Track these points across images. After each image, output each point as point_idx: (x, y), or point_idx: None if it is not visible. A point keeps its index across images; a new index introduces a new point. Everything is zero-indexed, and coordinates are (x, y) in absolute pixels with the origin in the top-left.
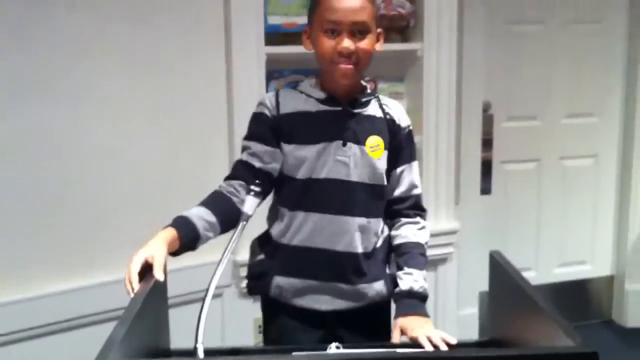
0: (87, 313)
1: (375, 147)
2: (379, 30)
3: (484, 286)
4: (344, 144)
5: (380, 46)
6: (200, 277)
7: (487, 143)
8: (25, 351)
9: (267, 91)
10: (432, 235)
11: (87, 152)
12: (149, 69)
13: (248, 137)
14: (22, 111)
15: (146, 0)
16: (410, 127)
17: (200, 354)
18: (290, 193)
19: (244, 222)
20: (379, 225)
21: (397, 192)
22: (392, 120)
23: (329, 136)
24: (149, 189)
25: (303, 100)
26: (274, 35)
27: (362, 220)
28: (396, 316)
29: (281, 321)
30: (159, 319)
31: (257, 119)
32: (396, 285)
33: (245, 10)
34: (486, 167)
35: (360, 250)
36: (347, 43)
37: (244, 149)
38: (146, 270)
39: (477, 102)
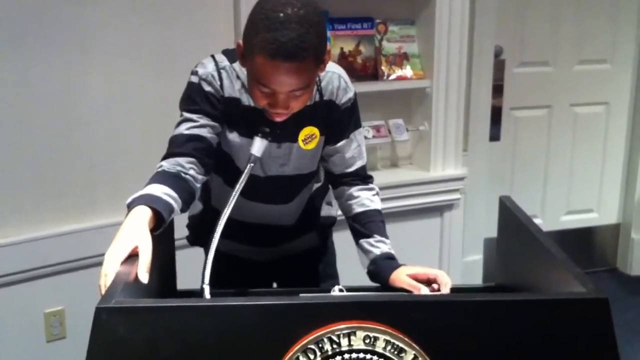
0: (90, 255)
1: (309, 139)
2: (327, 49)
3: (489, 233)
4: (279, 146)
5: (324, 68)
6: None
7: (497, 89)
8: (28, 291)
9: None
10: (440, 181)
11: (91, 96)
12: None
13: (193, 111)
14: (25, 56)
15: None
16: (352, 98)
17: (207, 294)
18: (227, 171)
19: (252, 164)
20: (312, 187)
21: (341, 167)
22: (330, 102)
23: (270, 135)
24: (151, 137)
25: (240, 89)
26: None
27: (297, 202)
28: (388, 275)
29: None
30: (165, 260)
31: (203, 95)
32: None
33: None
34: (496, 114)
35: (293, 221)
36: (280, 109)
37: (186, 121)
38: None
39: (489, 47)
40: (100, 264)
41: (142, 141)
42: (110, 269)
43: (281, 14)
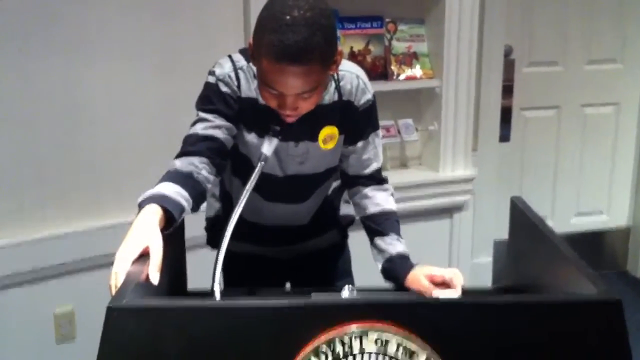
0: (98, 254)
1: (329, 139)
2: (339, 50)
3: (499, 235)
4: (296, 144)
5: (336, 69)
6: None
7: (507, 89)
8: (36, 292)
9: None
10: (450, 182)
11: (94, 95)
12: (160, 11)
13: (209, 110)
14: (27, 55)
15: None
16: (370, 100)
17: (217, 295)
18: (245, 173)
19: (262, 162)
20: (331, 187)
21: (357, 168)
22: (348, 103)
23: (282, 134)
24: (156, 135)
25: (256, 88)
26: None
27: (315, 200)
28: (403, 275)
29: (239, 269)
30: (176, 260)
31: (219, 96)
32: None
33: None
34: (506, 114)
35: (309, 220)
36: (290, 111)
37: (201, 120)
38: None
39: (499, 47)
40: (109, 263)
41: (146, 140)
42: (121, 269)
43: (288, 16)
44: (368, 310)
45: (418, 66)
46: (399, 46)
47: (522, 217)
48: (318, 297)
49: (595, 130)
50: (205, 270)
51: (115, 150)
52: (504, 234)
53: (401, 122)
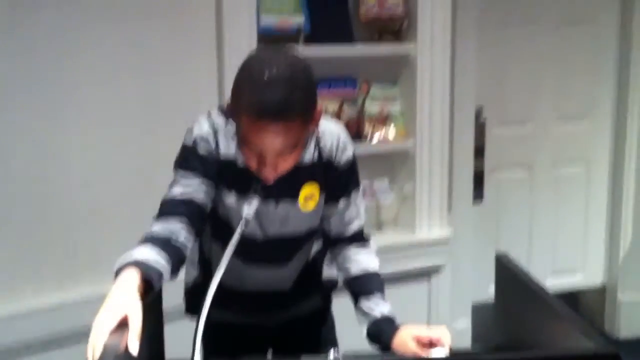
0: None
1: (309, 197)
2: (319, 108)
3: (477, 296)
4: (277, 206)
5: (315, 126)
6: None
7: (479, 150)
8: None
9: None
10: (426, 244)
11: (70, 157)
12: (136, 71)
13: (187, 173)
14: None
15: None
16: (350, 158)
17: None
18: (225, 236)
19: (243, 225)
20: (313, 249)
21: (339, 228)
22: (328, 162)
23: (263, 193)
24: (133, 196)
25: (236, 149)
26: (266, 36)
27: (296, 264)
28: (390, 338)
29: (219, 337)
30: (154, 329)
31: (197, 157)
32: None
33: (238, 9)
34: (478, 175)
35: (291, 285)
36: (269, 173)
37: (179, 182)
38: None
39: (470, 108)
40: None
41: (123, 204)
42: (98, 340)
43: (266, 75)
44: None
45: (392, 126)
46: (372, 107)
47: (508, 274)
48: None
49: (567, 188)
50: (184, 340)
51: (90, 215)
52: (482, 295)
53: (376, 183)
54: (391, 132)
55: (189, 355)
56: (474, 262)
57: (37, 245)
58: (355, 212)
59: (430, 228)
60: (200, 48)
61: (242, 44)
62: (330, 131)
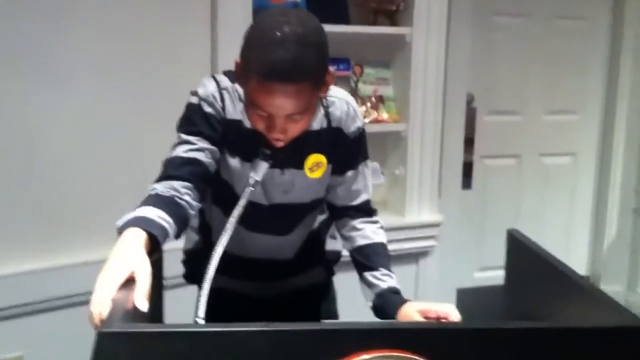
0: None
1: (315, 167)
2: (330, 71)
3: (462, 283)
4: (282, 172)
5: (326, 90)
6: None
7: (468, 138)
8: None
9: None
10: (415, 227)
11: (57, 127)
12: (128, 44)
13: (191, 132)
14: None
15: None
16: (360, 128)
17: None
18: (227, 201)
19: (251, 188)
20: (316, 220)
21: (345, 200)
22: (337, 130)
23: (269, 159)
24: (122, 169)
25: (242, 111)
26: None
27: (299, 234)
28: (395, 310)
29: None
30: (153, 291)
31: (203, 116)
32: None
33: None
34: (467, 162)
35: (294, 254)
36: (278, 134)
37: (183, 143)
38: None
39: (461, 94)
40: (62, 306)
41: (107, 177)
42: (106, 296)
43: (278, 33)
44: (382, 337)
45: (384, 110)
46: (365, 89)
47: (521, 250)
48: (328, 323)
49: (553, 179)
50: (180, 308)
51: (73, 186)
52: (467, 282)
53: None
54: (384, 114)
55: (184, 320)
56: (460, 248)
57: (20, 215)
58: (363, 184)
59: (420, 212)
60: (194, 23)
61: (236, 19)
62: (340, 99)
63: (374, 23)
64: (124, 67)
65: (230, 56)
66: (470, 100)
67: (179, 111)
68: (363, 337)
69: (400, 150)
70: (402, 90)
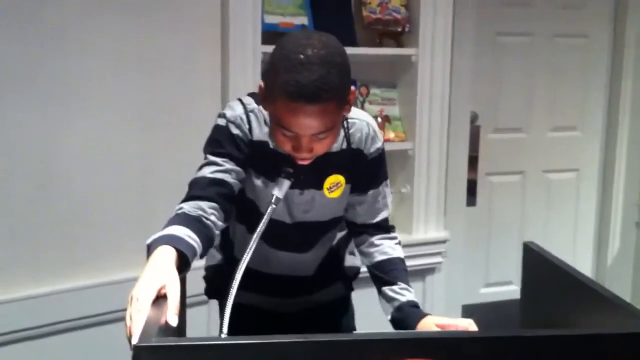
0: (69, 318)
1: (334, 187)
2: (352, 90)
3: (468, 299)
4: (302, 192)
5: (349, 109)
6: None
7: (472, 156)
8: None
9: None
10: (422, 244)
11: (71, 149)
12: (140, 67)
13: (218, 154)
14: (7, 109)
15: None
16: (380, 149)
17: None
18: (251, 219)
19: (274, 205)
20: (336, 237)
21: (365, 217)
22: (357, 151)
23: (293, 177)
24: (134, 191)
25: (267, 132)
26: (270, 35)
27: (317, 251)
28: (414, 323)
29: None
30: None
31: (230, 138)
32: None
33: (242, 8)
34: (472, 179)
35: (314, 271)
36: (304, 153)
37: (210, 164)
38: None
39: (465, 113)
40: (80, 327)
41: (124, 197)
42: (140, 313)
43: (301, 55)
44: (412, 347)
45: (390, 129)
46: (371, 109)
47: (538, 261)
48: (360, 334)
49: (557, 195)
50: (199, 324)
51: (91, 208)
52: (473, 297)
53: None
54: (390, 134)
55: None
56: (466, 265)
57: (35, 238)
58: (383, 202)
59: (427, 229)
60: (205, 48)
61: (247, 44)
62: (360, 120)
63: (380, 45)
64: (137, 91)
65: (240, 80)
66: (474, 119)
67: (190, 134)
68: (395, 347)
69: (407, 168)
70: (408, 110)
